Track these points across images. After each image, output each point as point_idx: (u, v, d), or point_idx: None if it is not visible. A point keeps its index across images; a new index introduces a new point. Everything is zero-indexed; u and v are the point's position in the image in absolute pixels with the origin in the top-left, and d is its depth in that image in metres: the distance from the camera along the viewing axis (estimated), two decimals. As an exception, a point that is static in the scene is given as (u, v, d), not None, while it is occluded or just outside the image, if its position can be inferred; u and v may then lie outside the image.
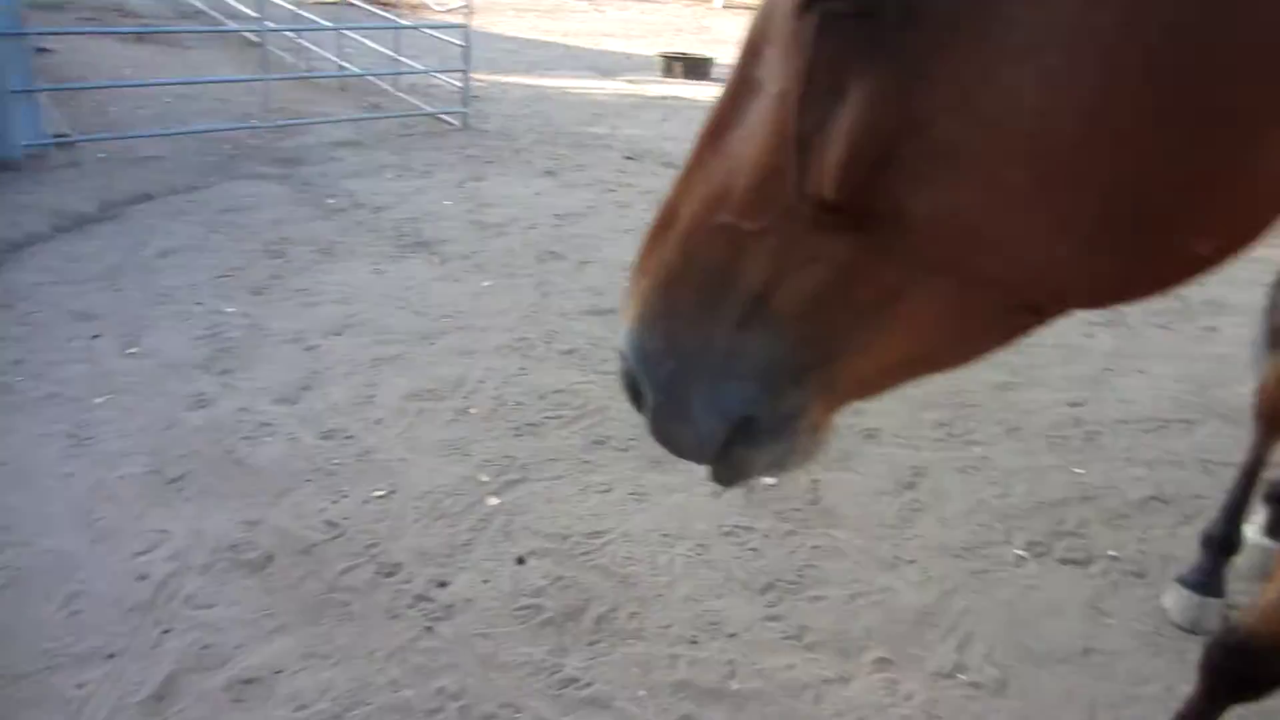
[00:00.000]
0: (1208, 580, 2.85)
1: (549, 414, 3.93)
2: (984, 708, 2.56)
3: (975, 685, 2.62)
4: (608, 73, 14.10)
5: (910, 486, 3.51)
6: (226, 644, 2.72)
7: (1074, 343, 4.77)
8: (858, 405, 3.70)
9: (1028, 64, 0.61)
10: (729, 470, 0.89)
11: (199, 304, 4.98)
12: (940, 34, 0.63)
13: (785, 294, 0.77)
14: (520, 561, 3.06)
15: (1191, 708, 2.02)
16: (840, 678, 2.64)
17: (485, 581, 2.97)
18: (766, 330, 0.79)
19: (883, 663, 2.70)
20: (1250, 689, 1.87)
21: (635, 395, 0.89)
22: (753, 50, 0.77)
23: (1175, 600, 2.87)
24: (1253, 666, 1.82)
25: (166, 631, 2.77)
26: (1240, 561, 2.97)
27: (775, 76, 0.73)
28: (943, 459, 3.69)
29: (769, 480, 3.52)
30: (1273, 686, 1.82)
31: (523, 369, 4.39)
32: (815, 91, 0.69)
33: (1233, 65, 0.58)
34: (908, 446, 3.78)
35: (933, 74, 0.64)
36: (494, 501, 3.37)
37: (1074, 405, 4.15)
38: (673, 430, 0.85)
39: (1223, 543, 2.87)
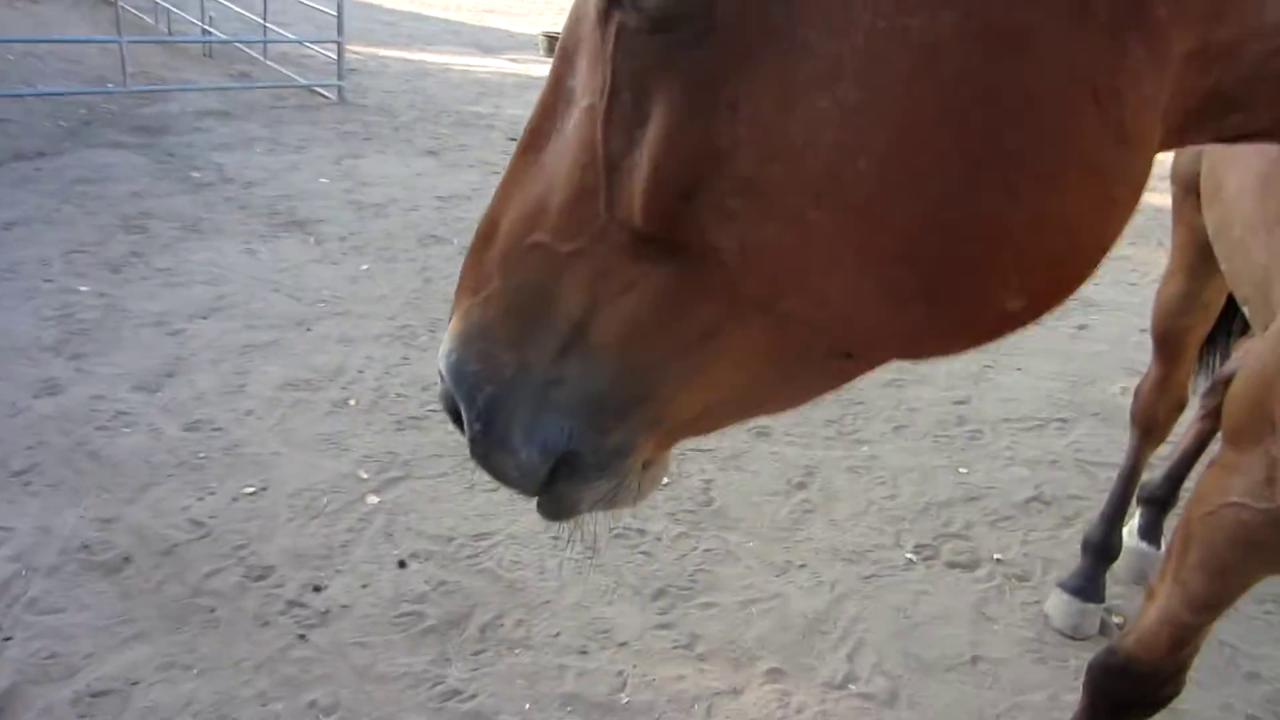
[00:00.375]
0: (1087, 585, 2.95)
1: (433, 407, 3.81)
2: None
3: (866, 696, 2.65)
4: (491, 50, 13.87)
5: (801, 486, 3.56)
6: (76, 653, 2.53)
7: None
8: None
9: (825, 95, 0.59)
10: (554, 505, 0.84)
11: (48, 281, 4.64)
12: (738, 58, 0.61)
13: (603, 323, 0.72)
14: (402, 565, 2.96)
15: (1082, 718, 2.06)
16: (732, 689, 2.64)
17: (364, 586, 2.86)
18: (586, 360, 0.74)
19: (774, 673, 2.70)
20: (1133, 711, 1.92)
21: (455, 418, 0.83)
22: (566, 57, 0.74)
23: (1056, 606, 2.97)
24: (1134, 690, 1.87)
25: (7, 639, 2.56)
26: (1118, 566, 3.10)
27: (585, 88, 0.70)
28: (833, 458, 3.76)
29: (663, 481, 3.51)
30: (1154, 709, 1.88)
31: (405, 358, 4.25)
32: (620, 109, 0.66)
33: (1019, 110, 0.58)
34: (799, 444, 3.83)
35: (732, 100, 0.62)
36: (374, 500, 3.25)
37: (958, 403, 4.29)
38: (493, 459, 0.80)
39: (1101, 548, 2.99)
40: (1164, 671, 1.80)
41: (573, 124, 0.72)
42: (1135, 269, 6.29)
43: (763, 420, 3.96)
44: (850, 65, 0.58)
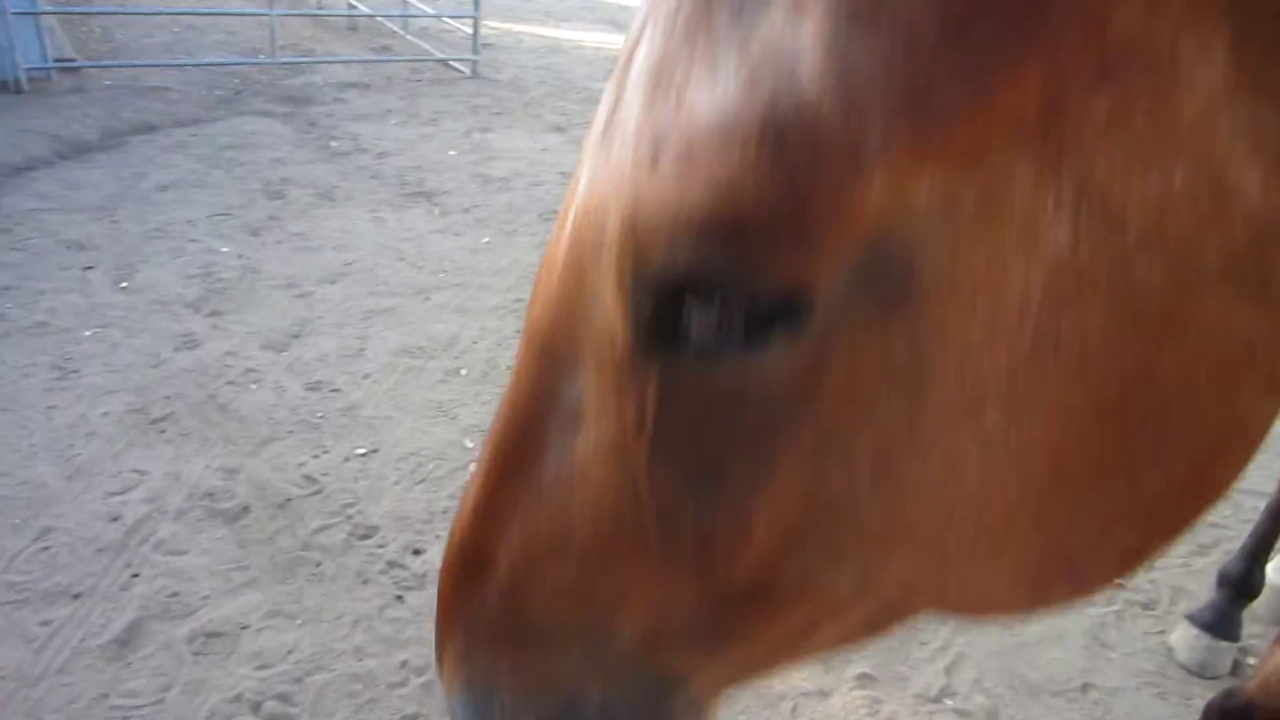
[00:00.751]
0: (1221, 621, 2.72)
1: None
2: (968, 733, 2.52)
3: (962, 713, 2.56)
4: (625, 27, 13.86)
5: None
6: (194, 594, 2.70)
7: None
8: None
9: (966, 429, 0.52)
10: None
11: (194, 241, 4.91)
12: (849, 401, 0.52)
13: (665, 644, 0.65)
14: (498, 532, 3.02)
15: None
16: (820, 691, 2.60)
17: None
18: (642, 680, 0.67)
19: (865, 679, 2.64)
20: None
21: None
22: (550, 356, 0.61)
23: (1184, 639, 2.76)
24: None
25: (135, 576, 2.74)
26: (1258, 604, 2.86)
27: (598, 412, 0.59)
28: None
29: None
30: None
31: (519, 331, 4.32)
32: (669, 455, 0.56)
33: (1178, 390, 0.53)
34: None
35: (846, 450, 0.53)
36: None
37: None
38: None
39: (1241, 582, 2.73)
40: None
41: (584, 452, 0.60)
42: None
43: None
44: (994, 389, 0.51)
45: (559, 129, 7.94)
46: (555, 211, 5.83)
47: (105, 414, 3.45)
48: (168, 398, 3.57)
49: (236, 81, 8.03)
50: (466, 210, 5.82)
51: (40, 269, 4.40)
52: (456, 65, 9.64)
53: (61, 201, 5.15)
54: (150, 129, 6.56)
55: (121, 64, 7.74)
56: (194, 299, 4.32)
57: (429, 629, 2.63)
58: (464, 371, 3.97)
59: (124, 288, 4.35)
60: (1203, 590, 2.91)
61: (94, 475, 3.13)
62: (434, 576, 2.81)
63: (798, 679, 2.60)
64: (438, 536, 2.99)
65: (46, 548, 2.82)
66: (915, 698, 2.59)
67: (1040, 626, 2.85)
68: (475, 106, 8.35)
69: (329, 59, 9.15)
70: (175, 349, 3.90)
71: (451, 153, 6.95)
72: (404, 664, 2.53)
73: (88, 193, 5.31)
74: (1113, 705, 2.62)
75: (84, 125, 6.27)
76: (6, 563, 2.74)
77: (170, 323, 4.09)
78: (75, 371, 3.69)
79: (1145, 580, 3.09)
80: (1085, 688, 2.67)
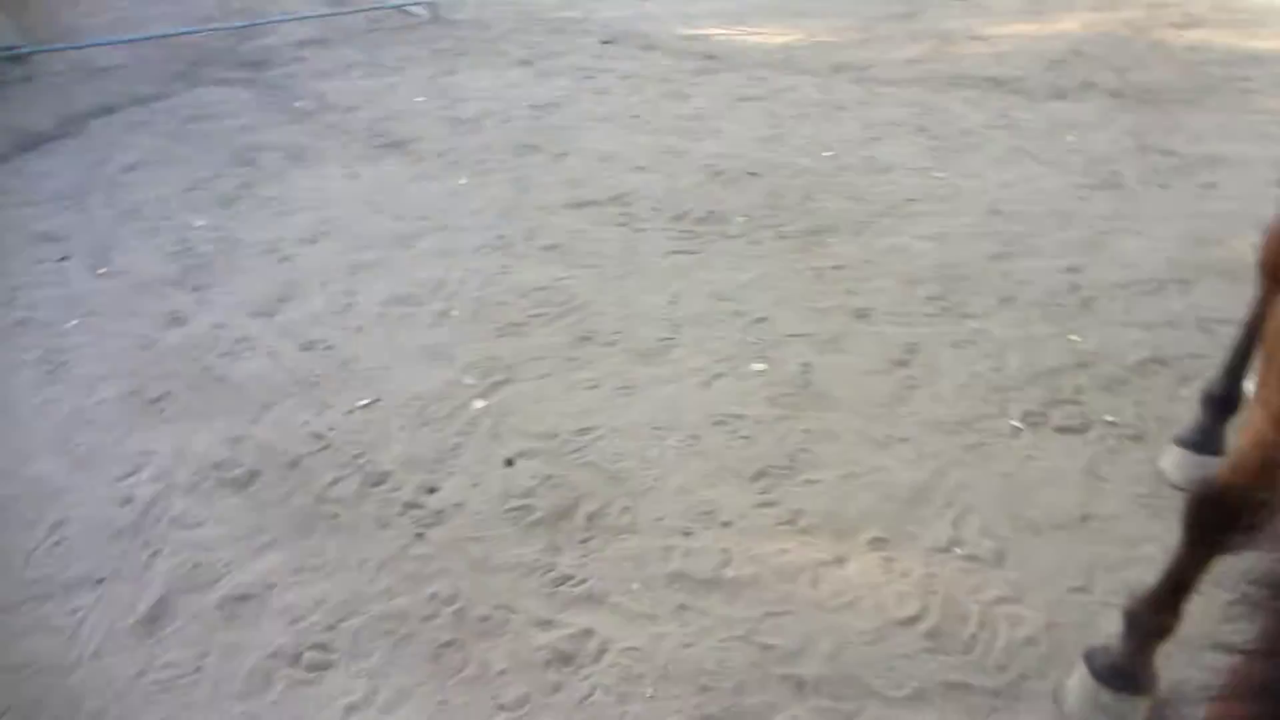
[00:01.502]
0: (1206, 439, 2.77)
1: (532, 312, 3.80)
2: (981, 579, 2.51)
3: (972, 558, 2.57)
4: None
5: (903, 364, 3.41)
6: (217, 563, 2.67)
7: (1068, 208, 4.61)
8: (848, 286, 3.57)
9: None
10: None
11: (167, 219, 4.80)
12: None
13: None
14: (509, 463, 2.99)
15: (1178, 562, 1.98)
16: (836, 559, 2.60)
17: (474, 485, 2.90)
18: None
19: (878, 542, 2.65)
20: (1229, 540, 1.82)
21: None
22: None
23: (1173, 460, 2.80)
24: (1228, 517, 1.78)
25: (155, 553, 2.72)
26: (1240, 419, 2.88)
27: None
28: (936, 334, 3.58)
29: (759, 366, 3.43)
30: (1250, 535, 1.77)
31: (504, 268, 4.24)
32: None
33: None
34: (900, 324, 3.66)
35: None
36: (480, 404, 3.28)
37: (1070, 271, 4.02)
38: None
39: (1223, 400, 2.78)
40: (1259, 493, 1.69)
41: None
42: (1274, 120, 5.70)
43: (861, 301, 3.81)
44: None
45: (525, 63, 7.71)
46: (528, 145, 5.77)
47: (101, 401, 3.39)
48: (162, 377, 3.51)
49: (190, 52, 7.79)
50: (439, 154, 5.68)
51: (14, 265, 4.31)
52: (413, 10, 9.34)
53: (27, 194, 5.03)
54: (109, 110, 6.38)
55: (70, 46, 7.49)
56: (175, 276, 4.23)
57: (453, 562, 2.61)
58: (454, 313, 3.89)
59: (102, 274, 4.26)
60: (1187, 417, 2.89)
61: (99, 463, 3.09)
62: (450, 511, 2.80)
63: (813, 550, 2.59)
64: (449, 474, 2.95)
65: (62, 540, 2.79)
66: (926, 551, 2.59)
67: (1038, 471, 2.86)
68: (438, 50, 8.11)
69: (283, 17, 8.87)
70: (163, 328, 3.83)
71: (419, 99, 6.76)
72: (433, 596, 2.51)
73: (53, 182, 5.18)
74: (1111, 529, 2.63)
75: (40, 114, 6.10)
76: (24, 560, 2.72)
77: (154, 303, 4.01)
78: (65, 363, 3.62)
79: (1134, 416, 3.08)
80: (1085, 518, 2.68)
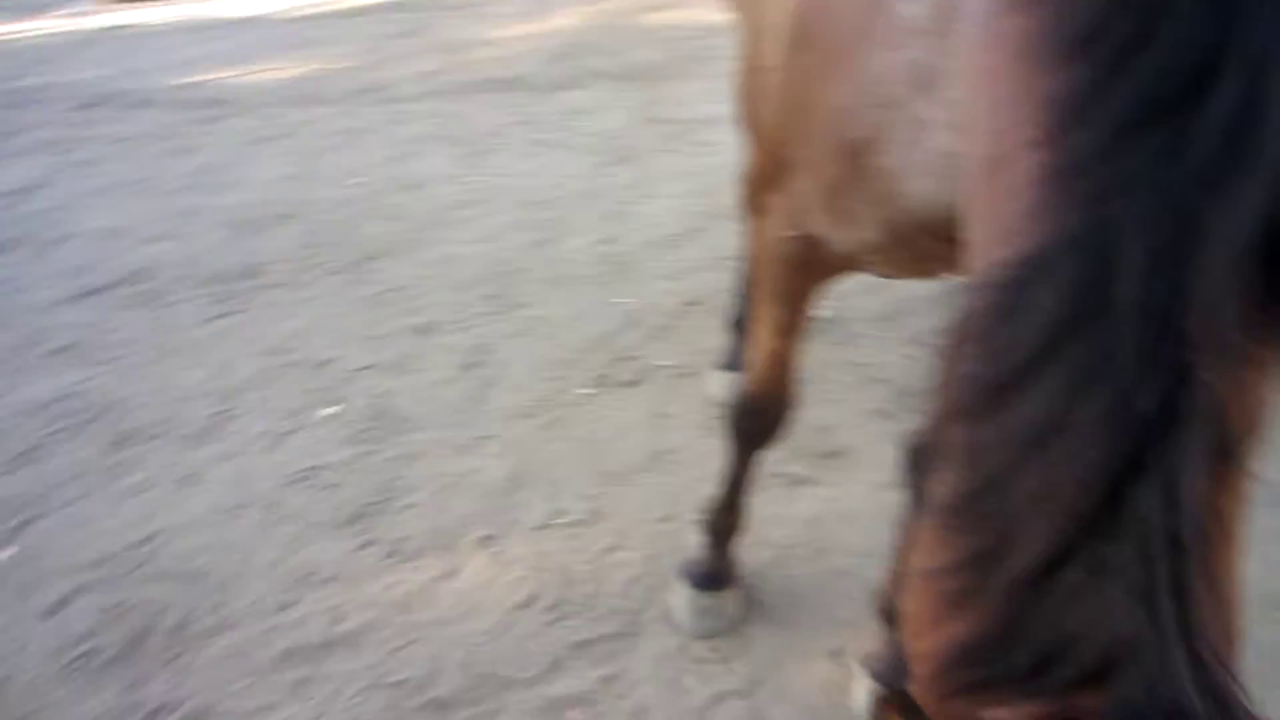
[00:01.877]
0: (740, 359, 3.13)
1: (49, 430, 3.33)
2: (584, 540, 2.66)
3: (572, 523, 2.72)
4: (36, 9, 11.97)
5: (473, 367, 3.49)
6: None
7: (593, 186, 4.99)
8: (406, 305, 3.52)
9: None
10: None
11: None
12: None
13: None
14: (53, 613, 2.59)
15: (729, 468, 2.27)
16: (447, 573, 2.60)
17: (17, 653, 2.49)
18: None
19: (485, 540, 2.70)
20: (762, 438, 2.12)
21: None
22: None
23: (718, 384, 3.15)
24: (761, 419, 2.06)
25: None
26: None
27: None
28: (497, 330, 3.70)
29: (329, 410, 3.32)
30: (778, 430, 2.06)
31: (9, 386, 3.68)
32: None
33: None
34: (462, 329, 3.74)
35: None
36: (6, 555, 2.83)
37: (604, 243, 4.35)
38: None
39: (744, 322, 3.16)
40: (779, 395, 1.98)
41: None
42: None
43: (420, 318, 3.83)
44: None
45: None
46: (6, 241, 5.03)
47: None
48: None
49: None
50: None
51: None
52: None
53: None
54: None
55: None
56: None
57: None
58: None
59: None
60: (726, 345, 3.24)
61: None
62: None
63: (423, 572, 2.60)
64: (-16, 640, 2.50)
65: None
66: (530, 532, 2.69)
67: (611, 427, 3.08)
68: None
69: None
70: None
71: None
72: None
73: None
74: (681, 459, 2.88)
75: None
76: None
77: None
78: None
79: (686, 356, 3.42)
80: (657, 456, 2.93)
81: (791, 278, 1.69)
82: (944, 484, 0.76)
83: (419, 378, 3.46)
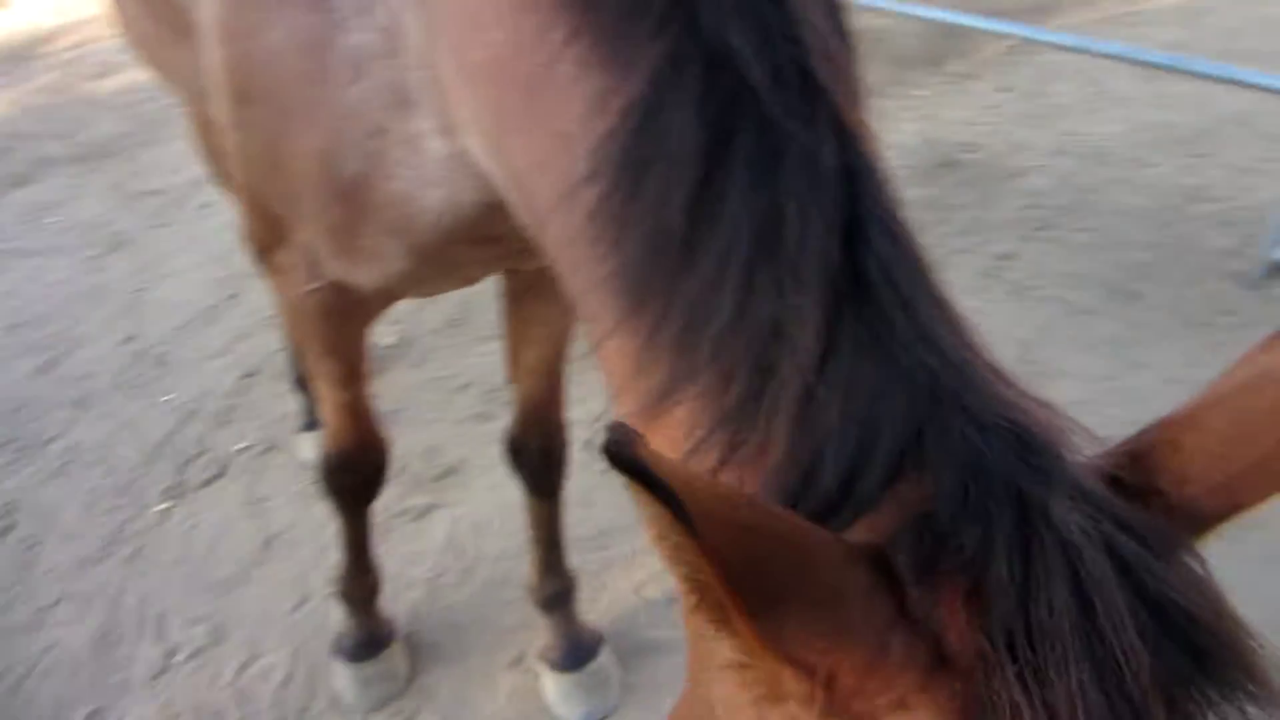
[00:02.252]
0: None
1: None
2: (214, 667, 2.42)
3: (194, 655, 2.46)
4: None
5: (6, 531, 2.95)
6: None
7: (93, 285, 4.44)
8: None
9: None
10: None
11: None
12: None
13: None
14: None
15: (342, 531, 2.17)
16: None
17: None
18: None
19: (93, 716, 2.32)
20: (364, 491, 2.05)
21: None
22: None
23: (306, 447, 2.98)
24: (355, 473, 1.98)
25: None
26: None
27: None
28: (27, 479, 3.17)
29: None
30: (378, 479, 2.01)
31: None
32: None
33: None
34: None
35: None
36: None
37: (128, 341, 3.89)
38: None
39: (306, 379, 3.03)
40: (366, 444, 1.92)
41: None
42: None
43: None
44: None
45: None
46: None
47: None
48: None
49: None
50: None
51: None
52: None
53: None
54: None
55: None
56: None
57: None
58: None
59: None
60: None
61: None
62: None
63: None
64: None
65: None
66: (145, 684, 2.37)
67: (207, 534, 2.84)
68: None
69: None
70: None
71: None
72: None
73: None
74: (290, 539, 2.73)
75: None
76: None
77: None
78: None
79: (257, 432, 3.22)
80: (267, 544, 2.75)
81: (331, 329, 1.61)
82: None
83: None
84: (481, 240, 1.25)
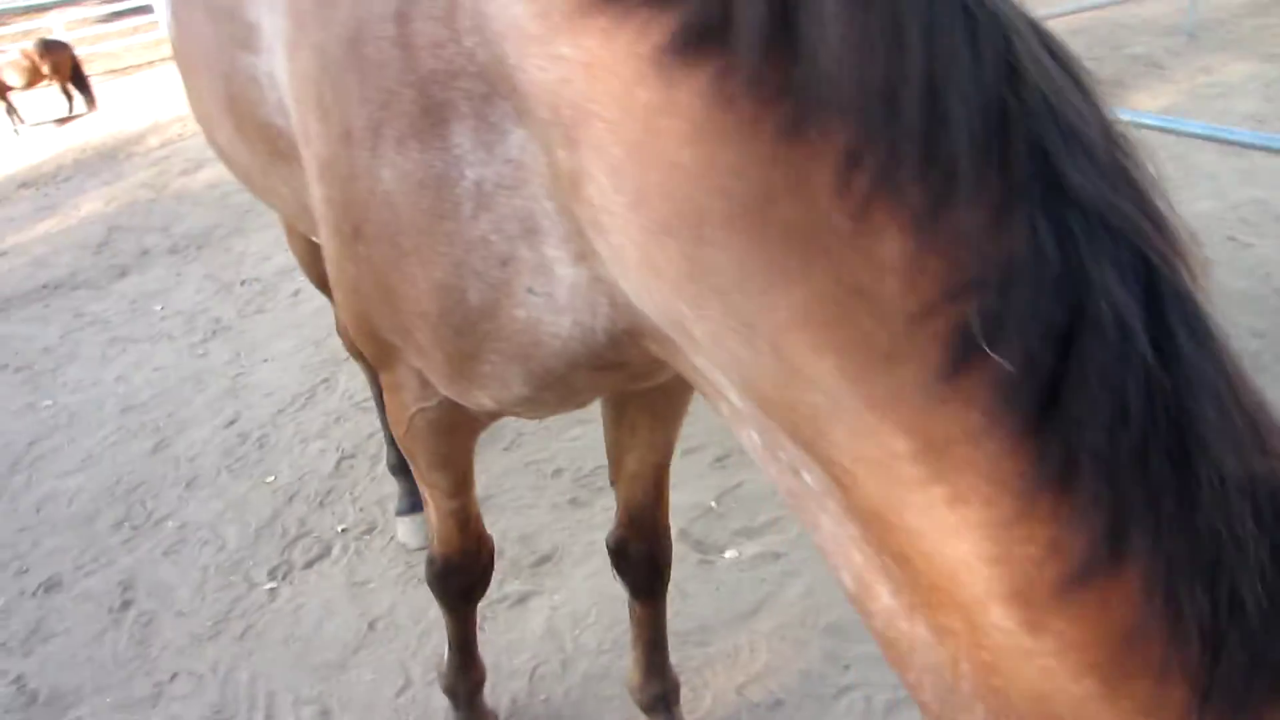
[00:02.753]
0: (417, 498, 3.10)
1: None
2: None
3: None
4: None
5: (124, 607, 3.12)
6: None
7: (194, 369, 4.71)
8: (14, 564, 3.06)
9: None
10: None
11: None
12: None
13: None
14: None
15: (450, 627, 2.26)
16: None
17: None
18: None
19: None
20: (471, 592, 2.13)
21: None
22: None
23: (406, 529, 3.13)
24: (462, 576, 2.06)
25: None
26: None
27: None
28: (142, 556, 3.36)
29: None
30: (484, 579, 2.11)
31: None
32: None
33: None
34: (97, 570, 3.34)
35: None
36: None
37: (230, 424, 4.13)
38: None
39: (404, 463, 3.16)
40: (473, 547, 2.00)
41: None
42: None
43: (35, 575, 3.37)
44: None
45: None
46: None
47: None
48: None
49: None
50: None
51: None
52: None
53: None
54: None
55: None
56: None
57: None
58: None
59: None
60: (397, 490, 3.26)
61: None
62: None
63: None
64: None
65: None
66: None
67: (312, 614, 2.97)
68: None
69: None
70: None
71: None
72: None
73: None
74: (396, 619, 2.87)
75: None
76: None
77: None
78: None
79: (358, 514, 3.37)
80: (372, 625, 2.87)
81: (441, 443, 1.65)
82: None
83: (59, 644, 3.03)
84: (606, 367, 1.24)
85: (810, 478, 0.87)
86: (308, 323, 4.99)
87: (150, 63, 16.10)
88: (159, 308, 5.63)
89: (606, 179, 0.87)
